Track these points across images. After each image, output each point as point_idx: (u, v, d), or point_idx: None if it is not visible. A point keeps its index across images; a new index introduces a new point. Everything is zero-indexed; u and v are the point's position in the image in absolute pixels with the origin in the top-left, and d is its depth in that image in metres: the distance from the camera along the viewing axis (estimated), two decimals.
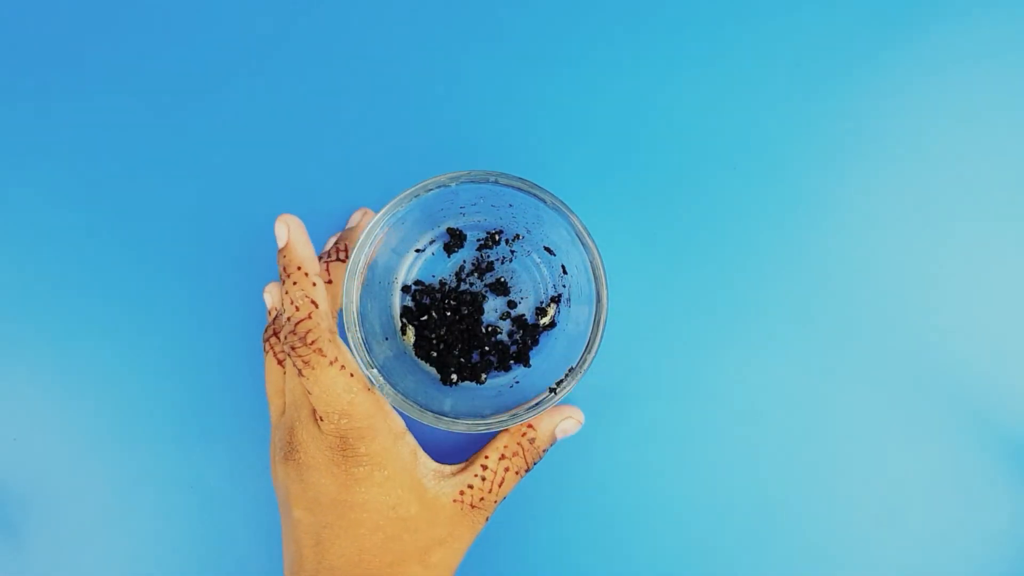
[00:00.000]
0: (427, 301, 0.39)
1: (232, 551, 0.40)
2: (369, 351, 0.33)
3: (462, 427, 0.33)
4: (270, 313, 0.36)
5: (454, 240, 0.38)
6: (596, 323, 0.33)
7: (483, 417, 0.33)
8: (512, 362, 0.38)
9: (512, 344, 0.39)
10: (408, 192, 0.32)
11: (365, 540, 0.32)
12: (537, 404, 0.33)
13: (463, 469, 0.35)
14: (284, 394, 0.35)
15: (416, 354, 0.38)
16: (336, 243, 0.36)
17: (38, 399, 0.41)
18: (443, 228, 0.39)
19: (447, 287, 0.39)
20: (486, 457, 0.35)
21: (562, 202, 0.32)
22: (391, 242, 0.35)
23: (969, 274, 0.40)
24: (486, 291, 0.39)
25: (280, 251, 0.32)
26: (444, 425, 0.33)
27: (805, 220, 0.40)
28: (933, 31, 0.41)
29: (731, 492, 0.40)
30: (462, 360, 0.38)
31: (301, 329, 0.31)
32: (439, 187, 0.32)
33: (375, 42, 0.41)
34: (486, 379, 0.38)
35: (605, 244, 0.39)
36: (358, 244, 0.33)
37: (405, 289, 0.39)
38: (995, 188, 0.40)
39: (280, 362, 0.35)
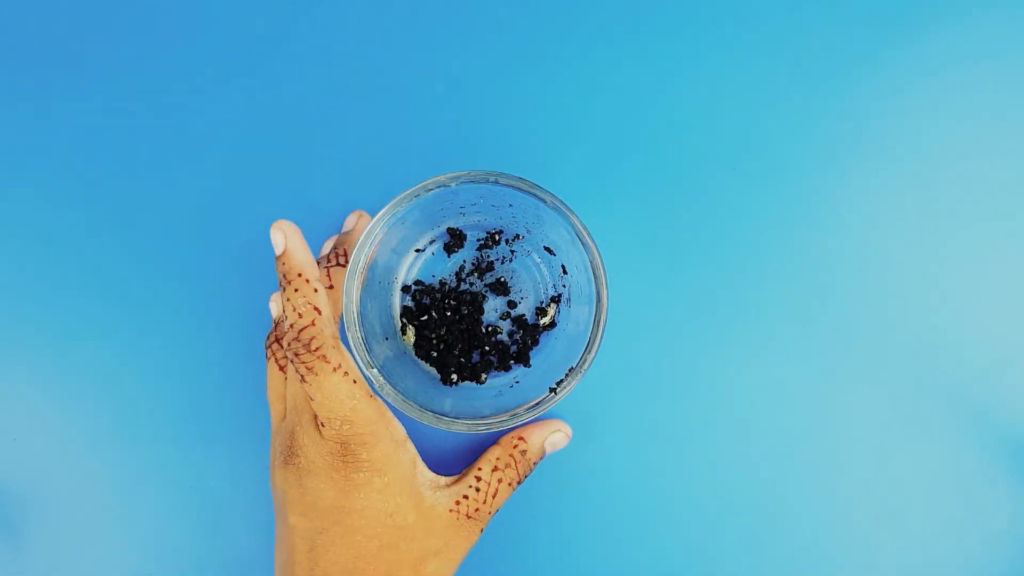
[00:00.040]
0: (427, 301, 0.39)
1: (232, 551, 0.40)
2: (369, 351, 0.33)
3: (462, 427, 0.33)
4: (276, 322, 0.36)
5: (454, 240, 0.38)
6: (596, 323, 0.33)
7: (483, 417, 0.33)
8: (512, 362, 0.38)
9: (512, 344, 0.39)
10: (408, 192, 0.32)
11: (361, 547, 0.32)
12: (537, 404, 0.33)
13: (457, 480, 0.36)
14: (285, 400, 0.35)
15: (416, 354, 0.38)
16: (335, 247, 0.36)
17: (38, 399, 0.41)
18: (443, 228, 0.39)
19: (447, 287, 0.39)
20: (479, 469, 0.36)
21: (562, 202, 0.32)
22: (391, 242, 0.35)
23: (969, 274, 0.40)
24: (486, 291, 0.39)
25: (278, 258, 0.31)
26: (444, 425, 0.33)
27: (805, 220, 0.40)
28: (933, 31, 0.41)
29: (731, 492, 0.40)
30: (462, 360, 0.38)
31: (305, 336, 0.30)
32: (439, 187, 0.32)
33: (375, 42, 0.41)
34: (486, 379, 0.38)
35: (605, 244, 0.39)
36: (358, 244, 0.33)
37: (405, 289, 0.39)
38: (995, 188, 0.40)
39: (282, 368, 0.35)
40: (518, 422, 0.33)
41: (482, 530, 0.35)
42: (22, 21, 0.42)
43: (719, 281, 0.40)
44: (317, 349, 0.30)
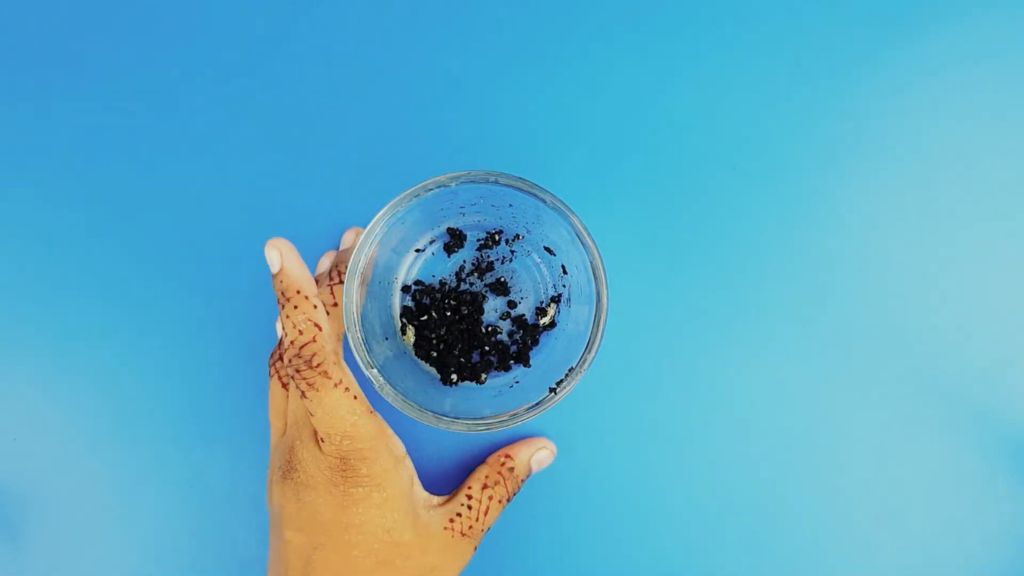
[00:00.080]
0: (427, 301, 0.39)
1: (232, 551, 0.40)
2: (369, 351, 0.33)
3: (462, 427, 0.33)
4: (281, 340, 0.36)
5: (454, 240, 0.38)
6: (596, 323, 0.33)
7: (483, 417, 0.33)
8: (512, 362, 0.38)
9: (512, 344, 0.39)
10: (408, 192, 0.32)
11: (357, 563, 0.32)
12: (537, 404, 0.33)
13: (449, 500, 0.36)
14: (285, 417, 0.34)
15: (416, 354, 0.38)
16: (335, 266, 0.36)
17: (38, 399, 0.41)
18: (443, 228, 0.39)
19: (447, 287, 0.39)
20: (469, 487, 0.36)
21: (562, 202, 0.32)
22: (391, 242, 0.35)
23: (969, 274, 0.40)
24: (486, 291, 0.39)
25: (275, 276, 0.31)
26: (444, 425, 0.33)
27: (805, 220, 0.40)
28: (933, 31, 0.41)
29: (731, 492, 0.40)
30: (462, 360, 0.38)
31: (306, 352, 0.30)
32: (439, 187, 0.32)
33: (375, 42, 0.41)
34: (486, 379, 0.38)
35: (605, 244, 0.39)
36: (358, 244, 0.33)
37: (405, 289, 0.39)
38: (995, 188, 0.40)
39: (284, 385, 0.35)
40: (518, 422, 0.33)
41: (475, 548, 0.36)
42: (22, 21, 0.42)
43: (719, 281, 0.40)
44: (319, 365, 0.30)
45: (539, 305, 0.39)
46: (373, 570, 0.32)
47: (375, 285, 0.36)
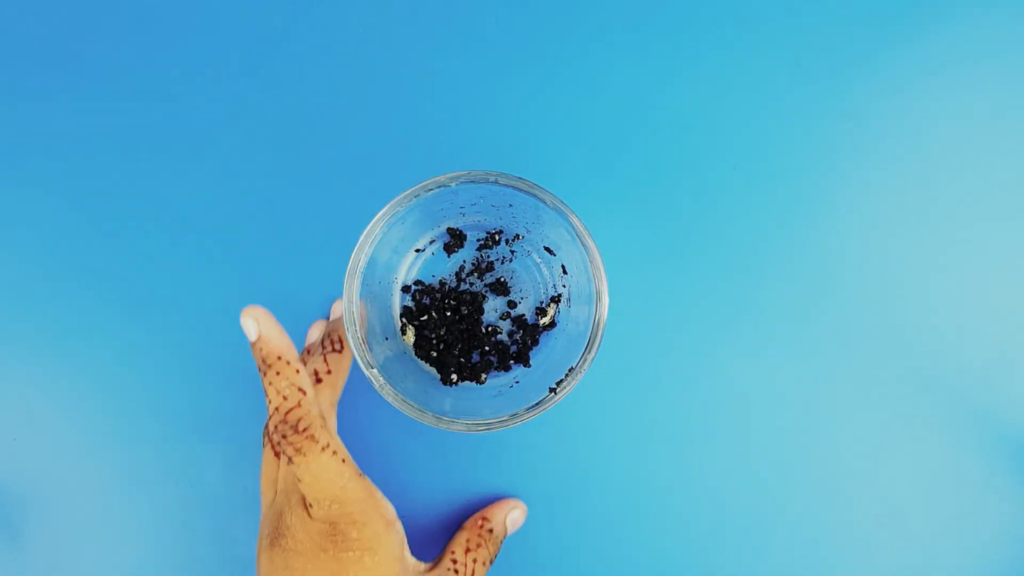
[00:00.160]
0: (427, 301, 0.39)
1: (231, 551, 0.40)
2: (369, 351, 0.33)
3: (462, 427, 0.33)
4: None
5: (454, 240, 0.38)
6: (596, 323, 0.33)
7: (483, 417, 0.33)
8: (512, 362, 0.38)
9: (512, 344, 0.39)
10: (408, 192, 0.32)
11: None
12: (537, 404, 0.33)
13: (435, 566, 0.36)
14: (276, 484, 0.34)
15: (416, 354, 0.38)
16: (328, 334, 0.36)
17: (38, 399, 0.41)
18: (443, 228, 0.39)
19: (447, 287, 0.39)
20: (453, 552, 0.36)
21: (562, 202, 0.32)
22: (391, 242, 0.35)
23: (969, 274, 0.40)
24: (486, 291, 0.39)
25: (253, 344, 0.30)
26: (444, 425, 0.33)
27: (805, 220, 0.40)
28: (933, 31, 0.41)
29: (731, 492, 0.40)
30: (462, 360, 0.38)
31: (292, 417, 0.30)
32: (439, 187, 0.32)
33: (375, 42, 0.41)
34: (486, 379, 0.38)
35: (605, 244, 0.39)
36: (357, 244, 0.33)
37: (405, 289, 0.39)
38: (995, 188, 0.40)
39: (277, 454, 0.34)
40: (518, 422, 0.33)
41: None
42: (22, 21, 0.42)
43: (719, 281, 0.40)
44: (305, 430, 0.30)
45: (539, 305, 0.39)
46: None
47: (375, 285, 0.36)
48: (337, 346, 0.35)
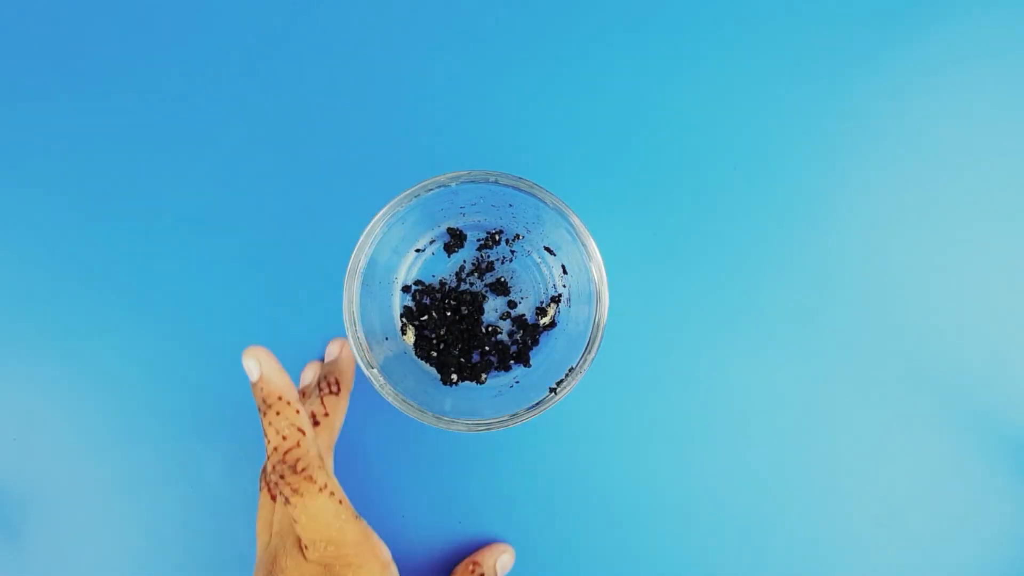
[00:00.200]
0: (427, 301, 0.39)
1: (231, 551, 0.40)
2: (369, 351, 0.33)
3: (462, 427, 0.33)
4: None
5: (454, 240, 0.38)
6: (596, 323, 0.33)
7: (483, 417, 0.33)
8: (512, 362, 0.38)
9: (512, 344, 0.39)
10: (408, 192, 0.32)
11: None
12: (537, 404, 0.33)
13: None
14: (271, 527, 0.34)
15: (416, 354, 0.38)
16: (325, 376, 0.36)
17: (38, 399, 0.41)
18: (443, 228, 0.39)
19: (447, 287, 0.39)
20: None
21: (562, 202, 0.32)
22: (391, 242, 0.35)
23: (969, 274, 0.40)
24: (486, 291, 0.39)
25: (254, 384, 0.30)
26: (444, 425, 0.33)
27: (805, 220, 0.40)
28: (933, 31, 0.41)
29: (731, 492, 0.40)
30: (462, 360, 0.38)
31: (291, 458, 0.30)
32: (439, 187, 0.32)
33: (375, 43, 0.41)
34: (486, 379, 0.38)
35: (605, 244, 0.39)
36: (357, 245, 0.33)
37: (405, 289, 0.39)
38: (995, 188, 0.40)
39: (273, 497, 0.34)
40: (518, 422, 0.33)
41: None
42: (22, 21, 0.42)
43: (719, 281, 0.40)
44: (303, 470, 0.30)
45: (539, 305, 0.39)
46: None
47: (375, 285, 0.36)
48: (334, 388, 0.36)
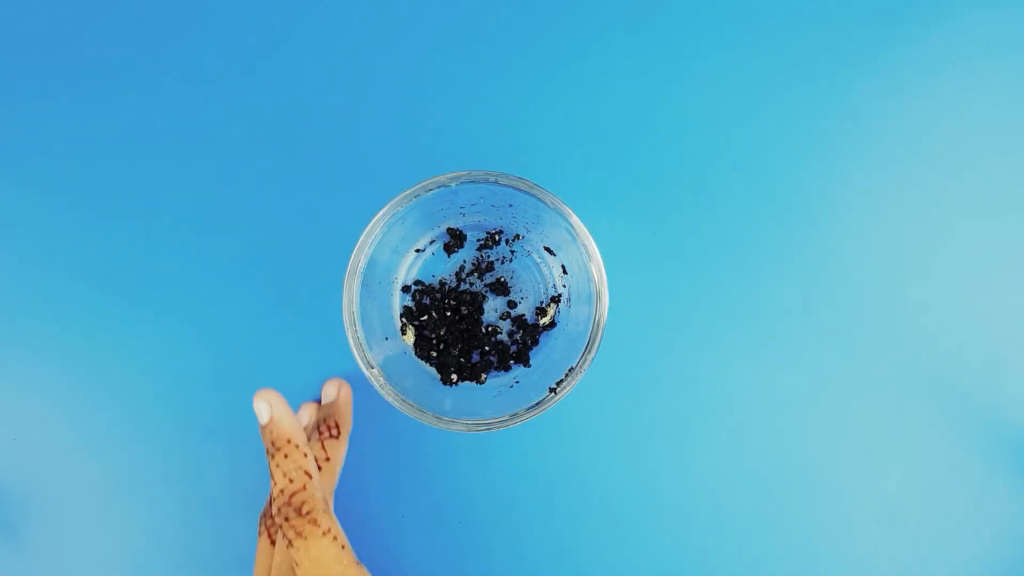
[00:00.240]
0: (427, 301, 0.39)
1: (232, 551, 0.40)
2: (369, 351, 0.33)
3: (462, 427, 0.33)
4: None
5: (454, 240, 0.38)
6: (596, 323, 0.33)
7: (483, 417, 0.33)
8: (512, 362, 0.38)
9: (512, 344, 0.39)
10: (408, 192, 0.32)
11: None
12: (537, 404, 0.33)
13: None
14: (270, 572, 0.34)
15: (416, 354, 0.38)
16: (325, 420, 0.36)
17: (38, 399, 0.41)
18: (443, 228, 0.39)
19: (447, 287, 0.39)
20: None
21: (562, 202, 0.32)
22: (391, 242, 0.35)
23: (969, 274, 0.40)
24: (486, 291, 0.39)
25: (264, 427, 0.31)
26: (444, 425, 0.33)
27: (805, 220, 0.40)
28: (933, 31, 0.41)
29: (730, 491, 0.40)
30: (462, 360, 0.38)
31: (296, 501, 0.30)
32: (439, 187, 0.32)
33: (375, 43, 0.41)
34: (486, 379, 0.38)
35: (605, 244, 0.39)
36: (357, 245, 0.33)
37: (405, 289, 0.39)
38: (995, 188, 0.40)
39: (272, 542, 0.34)
40: (518, 422, 0.33)
41: None
42: (22, 21, 0.42)
43: (719, 281, 0.40)
44: (308, 513, 0.30)
45: (539, 305, 0.39)
46: None
47: (375, 285, 0.36)
48: (335, 432, 0.36)
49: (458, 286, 0.39)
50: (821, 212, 0.40)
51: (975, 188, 0.40)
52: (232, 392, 0.40)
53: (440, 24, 0.41)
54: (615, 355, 0.40)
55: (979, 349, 0.40)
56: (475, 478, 0.40)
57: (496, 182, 0.32)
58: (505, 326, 0.39)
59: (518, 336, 0.38)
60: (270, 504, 0.34)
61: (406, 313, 0.39)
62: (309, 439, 0.36)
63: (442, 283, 0.39)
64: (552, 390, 0.33)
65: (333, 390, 0.39)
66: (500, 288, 0.39)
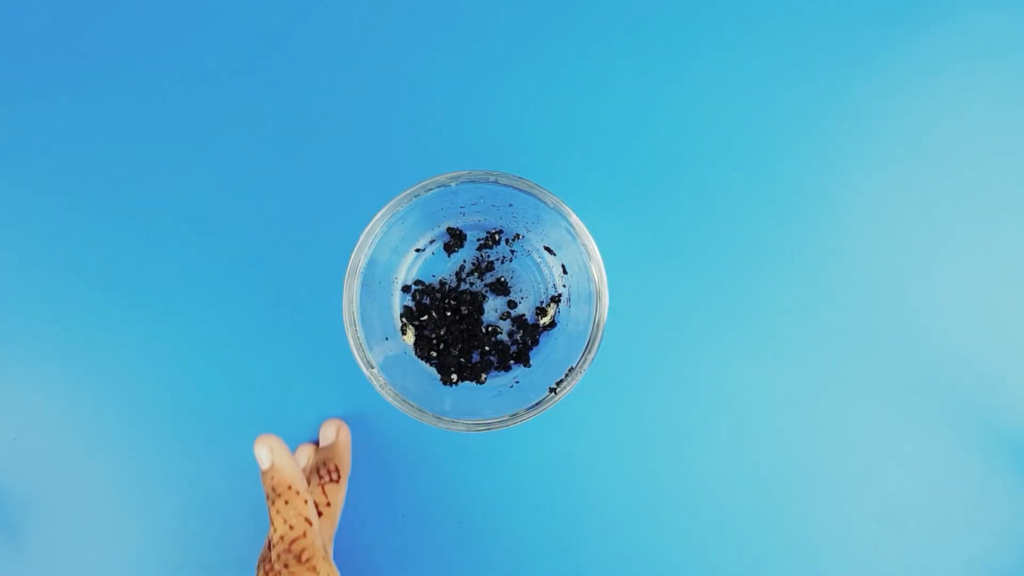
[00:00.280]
0: (427, 301, 0.39)
1: (231, 551, 0.40)
2: (369, 351, 0.33)
3: (462, 427, 0.33)
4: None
5: (454, 240, 0.38)
6: (596, 323, 0.33)
7: (483, 417, 0.33)
8: (512, 362, 0.38)
9: (512, 344, 0.39)
10: (408, 192, 0.32)
11: None
12: (537, 404, 0.33)
13: None
14: None
15: (416, 354, 0.38)
16: (324, 463, 0.36)
17: (38, 399, 0.41)
18: (443, 228, 0.39)
19: (447, 287, 0.39)
20: None
21: (562, 202, 0.32)
22: (391, 242, 0.35)
23: (969, 274, 0.40)
24: (486, 291, 0.39)
25: (265, 472, 0.31)
26: (444, 425, 0.33)
27: (805, 220, 0.40)
28: (933, 31, 0.41)
29: (730, 491, 0.40)
30: (462, 360, 0.38)
31: (296, 547, 0.30)
32: (439, 187, 0.32)
33: (375, 43, 0.41)
34: (486, 379, 0.38)
35: (605, 244, 0.39)
36: (357, 244, 0.33)
37: (405, 289, 0.39)
38: (995, 188, 0.40)
39: None
40: (518, 422, 0.33)
41: None
42: (22, 21, 0.42)
43: (719, 281, 0.40)
44: (308, 560, 0.30)
45: (539, 305, 0.39)
46: None
47: (375, 285, 0.36)
48: (334, 476, 0.36)
49: (458, 286, 0.39)
50: (821, 212, 0.40)
51: (975, 188, 0.40)
52: (232, 392, 0.40)
53: (440, 24, 0.41)
54: (615, 355, 0.40)
55: (979, 349, 0.40)
56: (475, 478, 0.40)
57: (496, 182, 0.32)
58: (505, 326, 0.39)
59: (518, 336, 0.38)
60: (269, 548, 0.34)
61: (406, 313, 0.39)
62: (308, 482, 0.35)
63: (442, 283, 0.39)
64: (552, 390, 0.33)
65: (332, 432, 0.39)
66: (500, 288, 0.39)
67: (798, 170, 0.40)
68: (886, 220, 0.40)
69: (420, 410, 0.33)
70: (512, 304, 0.39)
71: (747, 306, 0.40)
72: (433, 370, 0.38)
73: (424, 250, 0.39)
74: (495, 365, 0.38)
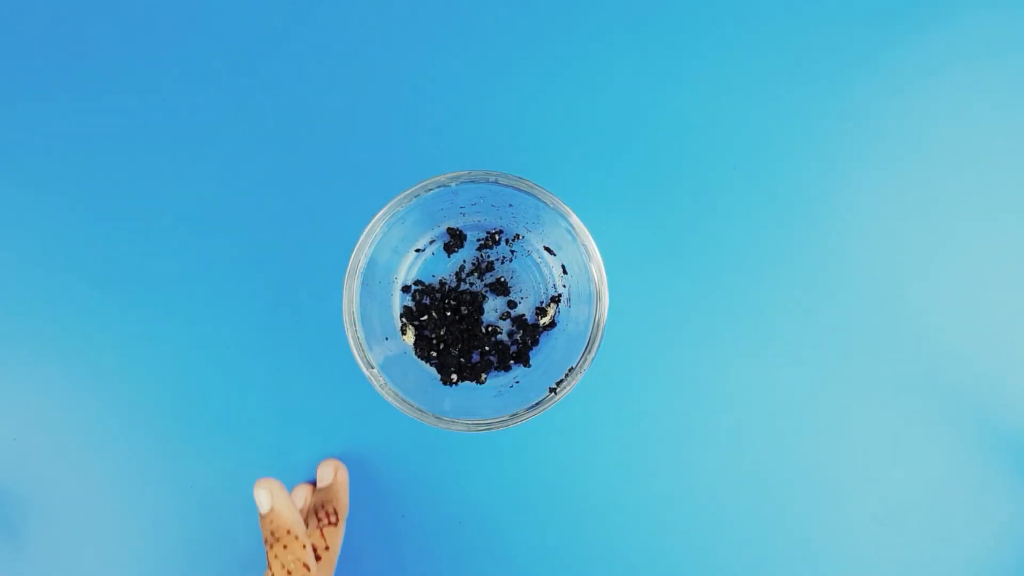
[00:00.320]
0: (427, 301, 0.39)
1: (231, 551, 0.40)
2: (369, 351, 0.33)
3: (462, 427, 0.33)
4: None
5: (454, 240, 0.38)
6: (596, 323, 0.33)
7: (483, 417, 0.33)
8: (512, 362, 0.38)
9: (512, 344, 0.39)
10: (408, 192, 0.32)
11: None
12: (537, 404, 0.33)
13: None
14: None
15: (416, 354, 0.38)
16: (323, 506, 0.36)
17: (38, 399, 0.41)
18: (443, 228, 0.39)
19: (447, 287, 0.39)
20: None
21: (562, 202, 0.32)
22: (391, 242, 0.35)
23: (969, 274, 0.40)
24: (486, 291, 0.39)
25: (264, 516, 0.31)
26: (444, 425, 0.33)
27: (805, 220, 0.40)
28: (933, 31, 0.41)
29: (730, 491, 0.40)
30: (462, 360, 0.38)
31: None
32: (439, 187, 0.32)
33: (374, 43, 0.41)
34: (486, 379, 0.38)
35: (605, 244, 0.39)
36: (357, 244, 0.33)
37: (405, 289, 0.39)
38: (995, 188, 0.40)
39: None
40: (518, 422, 0.33)
41: None
42: (22, 21, 0.42)
43: (719, 281, 0.40)
44: None
45: (539, 305, 0.39)
46: None
47: (375, 285, 0.36)
48: (333, 519, 0.36)
49: (458, 286, 0.39)
50: (821, 212, 0.40)
51: (975, 188, 0.40)
52: (232, 393, 0.40)
53: (440, 24, 0.41)
54: (615, 355, 0.40)
55: (979, 349, 0.40)
56: (475, 478, 0.40)
57: (496, 182, 0.32)
58: (505, 326, 0.39)
59: (518, 336, 0.38)
60: None
61: (406, 313, 0.39)
62: (307, 524, 0.35)
63: (442, 283, 0.39)
64: (552, 390, 0.33)
65: (329, 473, 0.38)
66: (500, 288, 0.39)
67: (798, 170, 0.40)
68: (886, 220, 0.40)
69: (420, 410, 0.33)
70: (512, 304, 0.39)
71: (747, 306, 0.40)
72: (433, 370, 0.38)
73: (424, 250, 0.39)
74: (495, 365, 0.38)
